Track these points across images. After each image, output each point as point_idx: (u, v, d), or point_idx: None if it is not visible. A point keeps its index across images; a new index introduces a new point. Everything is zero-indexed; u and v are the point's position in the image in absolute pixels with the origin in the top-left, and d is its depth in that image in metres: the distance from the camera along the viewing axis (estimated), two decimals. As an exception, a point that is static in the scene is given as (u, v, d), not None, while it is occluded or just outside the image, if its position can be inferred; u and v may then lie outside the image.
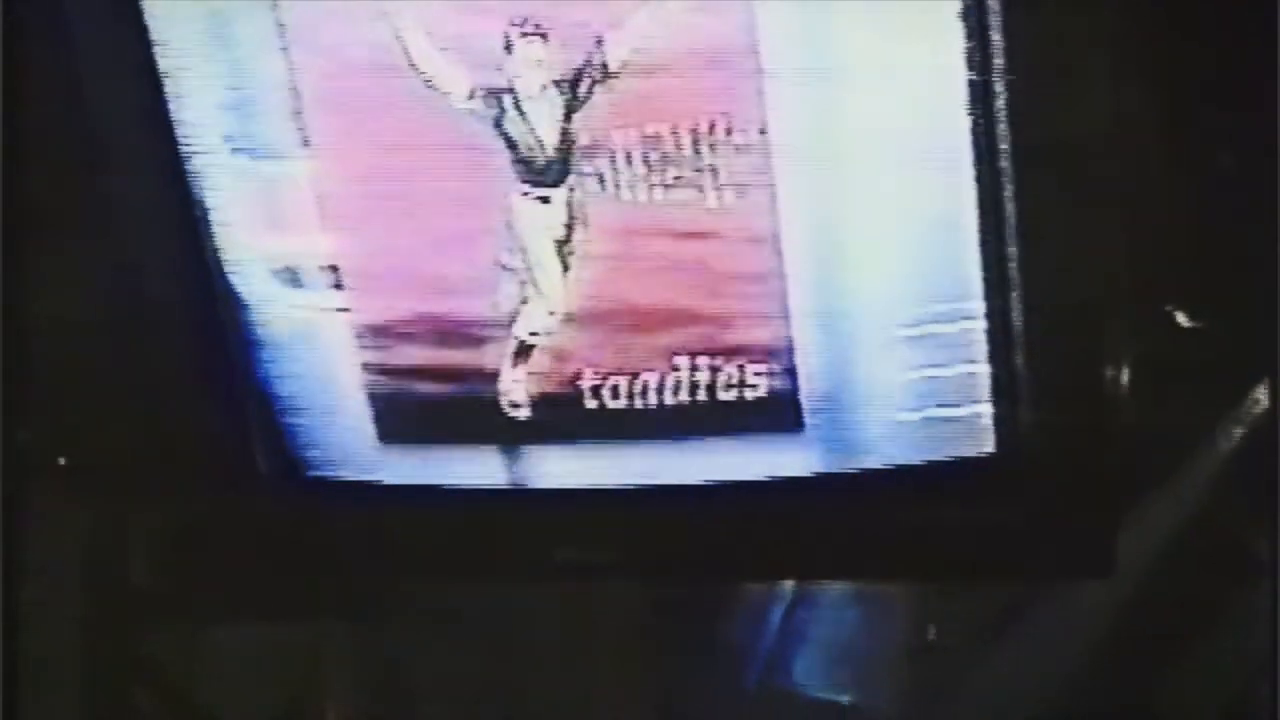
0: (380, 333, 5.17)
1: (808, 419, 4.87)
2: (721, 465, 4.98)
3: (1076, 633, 5.71)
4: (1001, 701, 5.86)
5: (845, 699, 6.10)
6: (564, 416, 5.07)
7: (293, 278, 5.17)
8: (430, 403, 5.18)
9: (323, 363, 5.24)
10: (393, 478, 5.27)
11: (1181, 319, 5.16)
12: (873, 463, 4.87)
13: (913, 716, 6.07)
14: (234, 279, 5.20)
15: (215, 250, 5.16)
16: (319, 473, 5.35)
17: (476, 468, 5.20)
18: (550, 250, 4.91)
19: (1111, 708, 5.60)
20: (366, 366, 5.19)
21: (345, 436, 5.29)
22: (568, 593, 6.07)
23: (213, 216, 5.11)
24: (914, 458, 4.84)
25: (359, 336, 5.16)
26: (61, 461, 6.01)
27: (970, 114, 4.45)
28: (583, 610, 6.26)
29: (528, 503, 5.19)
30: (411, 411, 5.21)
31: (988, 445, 4.80)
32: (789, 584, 6.27)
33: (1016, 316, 4.65)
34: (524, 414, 5.13)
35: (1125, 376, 4.89)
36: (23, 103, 5.33)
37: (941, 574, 5.12)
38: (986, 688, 5.90)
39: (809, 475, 4.91)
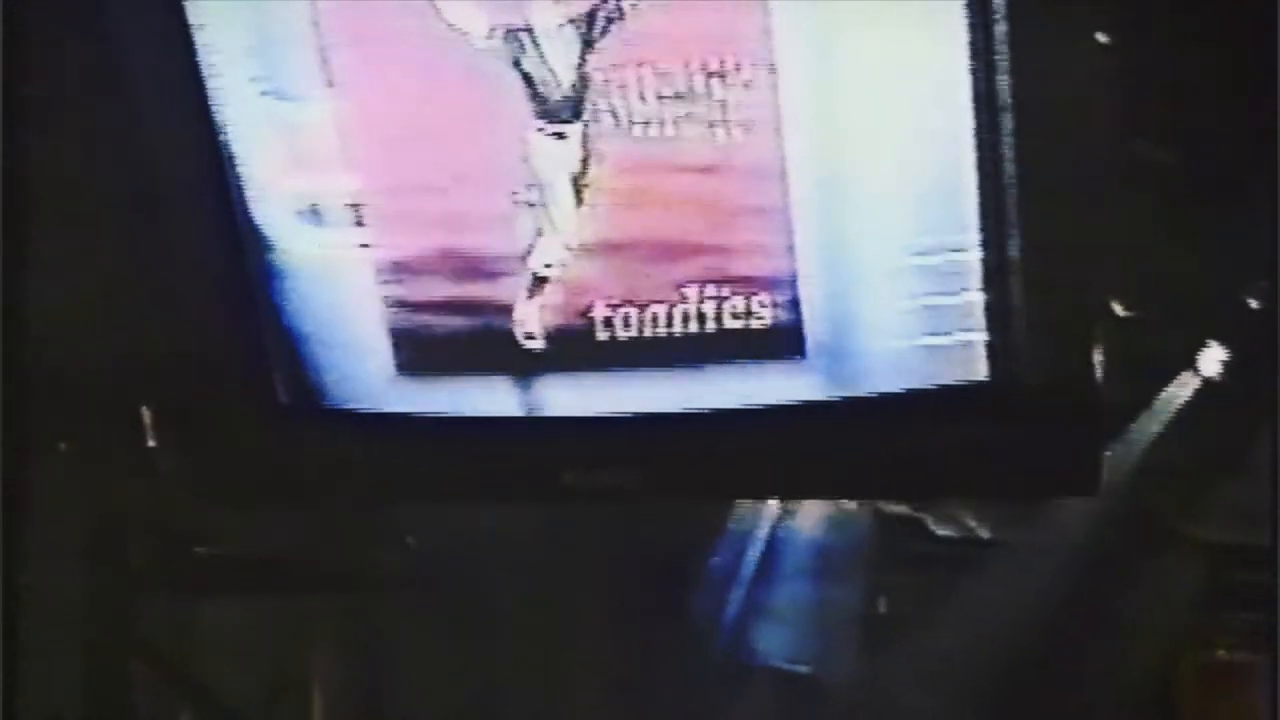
0: (399, 268, 5.39)
1: (810, 347, 5.09)
2: (728, 392, 5.19)
3: (1017, 603, 6.06)
4: (948, 667, 6.13)
5: (803, 669, 6.38)
6: (576, 347, 5.29)
7: (315, 216, 5.38)
8: (447, 335, 5.39)
9: (343, 298, 5.46)
10: (410, 408, 5.50)
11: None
12: (872, 388, 5.09)
13: (865, 682, 6.32)
14: (258, 218, 5.41)
15: (240, 190, 5.39)
16: (338, 404, 5.59)
17: (491, 397, 5.42)
18: (565, 185, 5.13)
19: (1050, 671, 5.97)
20: (386, 301, 5.41)
21: (364, 369, 5.51)
22: (542, 576, 6.39)
23: (238, 158, 5.35)
24: (911, 384, 5.06)
25: (379, 272, 5.39)
26: (63, 447, 6.29)
27: (971, 55, 4.67)
28: (556, 591, 6.54)
29: (540, 430, 5.43)
30: (429, 344, 5.42)
31: (980, 371, 5.03)
32: (751, 561, 6.65)
33: (1011, 248, 4.90)
34: (538, 345, 5.34)
35: (1112, 308, 5.17)
36: (52, 58, 5.57)
37: (935, 493, 5.37)
38: (934, 655, 6.17)
39: (811, 401, 5.14)
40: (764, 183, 4.91)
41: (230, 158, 5.31)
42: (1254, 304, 5.38)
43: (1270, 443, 5.22)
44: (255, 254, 5.43)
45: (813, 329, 5.06)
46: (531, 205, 5.14)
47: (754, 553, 6.35)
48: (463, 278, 5.29)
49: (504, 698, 6.64)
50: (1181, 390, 5.62)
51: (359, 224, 5.30)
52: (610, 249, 5.13)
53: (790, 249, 4.98)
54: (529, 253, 5.21)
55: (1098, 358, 5.04)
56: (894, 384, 5.06)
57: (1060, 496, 5.45)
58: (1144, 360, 5.38)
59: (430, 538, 6.47)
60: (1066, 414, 5.05)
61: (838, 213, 4.92)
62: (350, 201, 5.28)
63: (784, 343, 5.09)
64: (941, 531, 6.19)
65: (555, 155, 5.05)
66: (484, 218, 5.19)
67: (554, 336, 5.27)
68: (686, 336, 5.14)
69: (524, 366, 5.33)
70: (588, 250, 5.15)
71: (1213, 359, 5.55)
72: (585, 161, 5.03)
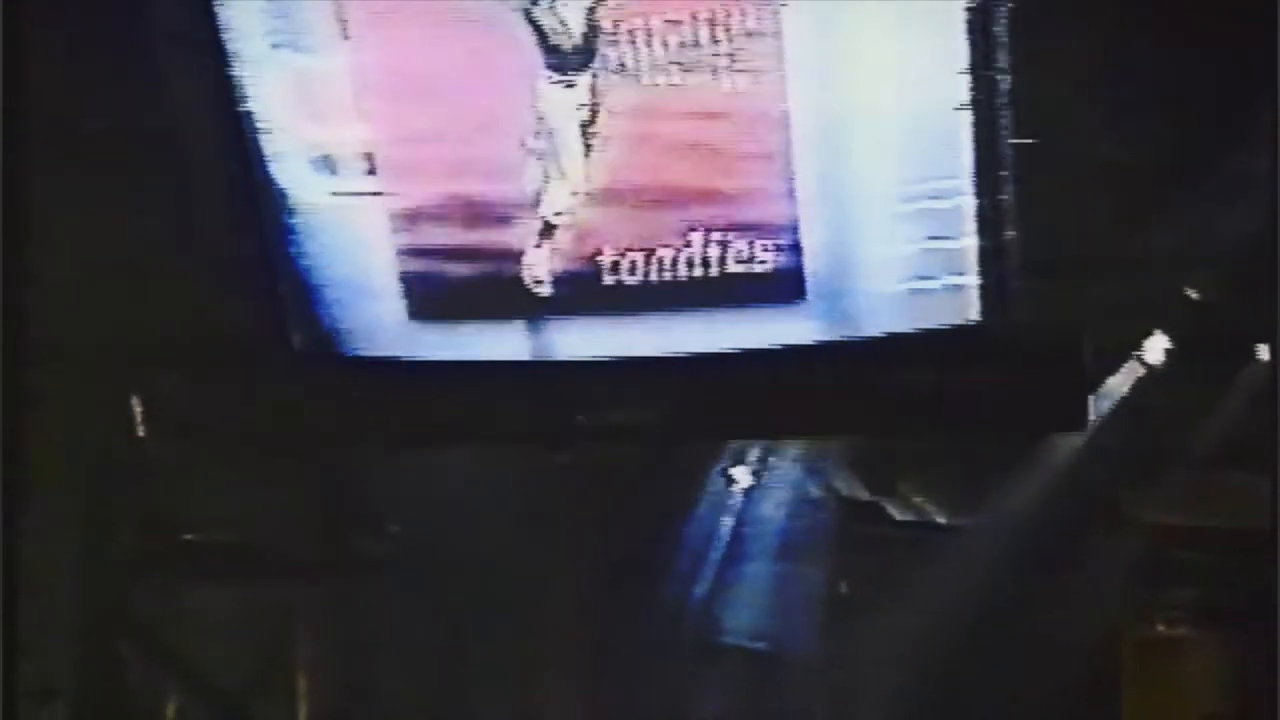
0: (412, 216, 5.56)
1: (810, 291, 5.29)
2: (730, 334, 5.39)
3: (971, 584, 6.28)
4: (905, 645, 6.39)
5: (762, 646, 6.69)
6: (584, 291, 5.47)
7: (330, 165, 5.53)
8: (458, 281, 5.57)
9: (356, 245, 5.62)
10: (422, 353, 5.66)
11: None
12: (869, 330, 5.30)
13: (826, 660, 6.59)
14: (273, 169, 5.56)
15: (256, 142, 5.52)
16: (351, 350, 5.75)
17: (501, 341, 5.60)
18: (574, 133, 5.31)
19: (1000, 647, 6.20)
20: (398, 248, 5.58)
21: (377, 315, 5.67)
22: (519, 563, 6.55)
23: (254, 110, 5.49)
24: (906, 325, 5.26)
25: (391, 220, 5.55)
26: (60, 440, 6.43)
27: (967, 8, 4.84)
28: (533, 577, 6.68)
29: (550, 372, 5.60)
30: (440, 290, 5.60)
31: (972, 313, 5.23)
32: (719, 545, 6.78)
33: (1003, 194, 5.10)
34: (546, 290, 5.52)
35: (1099, 252, 5.36)
36: (71, 15, 5.70)
37: (929, 431, 5.56)
38: (892, 633, 6.44)
39: (811, 343, 5.34)
40: (767, 130, 5.09)
41: (246, 110, 5.45)
42: (1194, 295, 5.65)
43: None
44: (270, 204, 5.57)
45: (813, 272, 5.25)
46: (541, 153, 5.31)
47: (722, 537, 6.63)
48: (473, 225, 5.46)
49: (482, 678, 6.85)
50: (1126, 378, 5.92)
51: (372, 173, 5.45)
52: (617, 195, 5.30)
53: (792, 195, 5.16)
54: (538, 200, 5.38)
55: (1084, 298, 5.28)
56: (890, 325, 5.25)
57: (1048, 432, 5.65)
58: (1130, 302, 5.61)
59: (412, 525, 6.71)
60: (1054, 354, 5.27)
61: (838, 159, 5.10)
62: (363, 151, 5.43)
63: (785, 286, 5.27)
64: (900, 516, 6.51)
65: (564, 104, 5.21)
66: (494, 166, 5.36)
67: (562, 281, 5.45)
68: (691, 280, 5.32)
69: (533, 311, 5.50)
70: (595, 197, 5.32)
71: (1156, 347, 5.82)
72: (594, 110, 5.20)
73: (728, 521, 6.59)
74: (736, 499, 6.57)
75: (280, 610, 6.97)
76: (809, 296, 5.27)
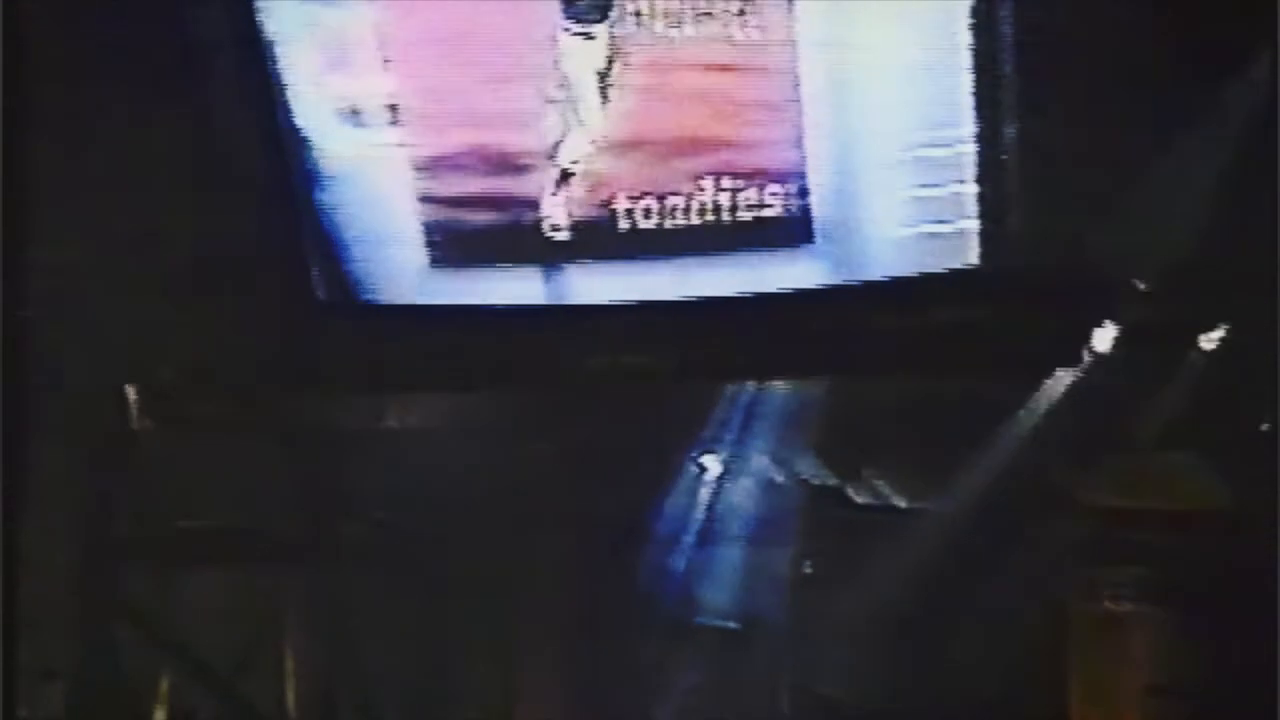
0: (434, 165, 5.77)
1: (817, 235, 5.52)
2: (740, 278, 5.61)
3: (928, 563, 6.50)
4: (866, 622, 6.62)
5: (733, 624, 6.90)
6: (599, 237, 5.68)
7: (354, 116, 5.74)
8: (477, 228, 5.78)
9: (379, 195, 5.84)
10: (442, 299, 5.88)
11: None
12: (873, 274, 5.52)
13: (792, 637, 6.80)
14: (299, 120, 5.78)
15: (283, 94, 5.75)
16: (372, 298, 5.96)
17: (519, 286, 5.81)
18: (592, 83, 5.53)
19: (956, 623, 6.42)
20: (420, 197, 5.79)
21: (399, 262, 5.89)
22: (499, 550, 6.75)
23: (281, 63, 5.71)
24: (909, 269, 5.49)
25: (414, 169, 5.76)
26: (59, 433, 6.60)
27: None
28: (512, 562, 6.86)
29: (566, 316, 5.83)
30: (460, 237, 5.81)
31: (972, 257, 5.44)
32: (691, 528, 6.98)
33: (1003, 142, 5.31)
34: (563, 236, 5.74)
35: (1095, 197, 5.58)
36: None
37: (930, 369, 5.78)
38: (853, 610, 6.67)
39: (817, 286, 5.56)
40: (777, 80, 5.31)
41: (273, 61, 5.67)
42: (1142, 286, 5.86)
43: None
44: (295, 155, 5.78)
45: (820, 218, 5.47)
46: (560, 103, 5.53)
47: (694, 522, 6.86)
48: (493, 173, 5.67)
49: (464, 658, 7.06)
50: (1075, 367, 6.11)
51: (395, 123, 5.67)
52: (632, 144, 5.52)
53: (800, 143, 5.38)
54: (556, 149, 5.59)
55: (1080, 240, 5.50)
56: (894, 269, 5.48)
57: (1044, 371, 5.88)
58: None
59: (396, 512, 6.88)
60: (1049, 296, 5.50)
61: (845, 108, 5.32)
62: (387, 102, 5.65)
63: (793, 231, 5.49)
64: (861, 499, 6.76)
65: (583, 55, 5.43)
66: (515, 116, 5.57)
67: (578, 227, 5.66)
68: (703, 226, 5.53)
69: (550, 256, 5.72)
70: (611, 145, 5.53)
71: (1106, 337, 6.00)
72: (611, 60, 5.42)
73: (699, 507, 6.84)
74: (707, 486, 6.81)
75: (269, 594, 7.13)
76: (816, 241, 5.50)
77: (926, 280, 5.46)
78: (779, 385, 6.52)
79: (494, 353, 5.91)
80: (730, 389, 6.56)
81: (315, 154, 5.77)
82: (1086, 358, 5.73)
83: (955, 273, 5.43)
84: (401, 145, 5.69)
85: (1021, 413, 6.17)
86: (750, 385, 6.54)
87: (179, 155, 5.95)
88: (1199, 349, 5.96)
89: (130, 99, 5.94)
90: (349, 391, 6.24)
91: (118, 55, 5.84)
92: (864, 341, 5.66)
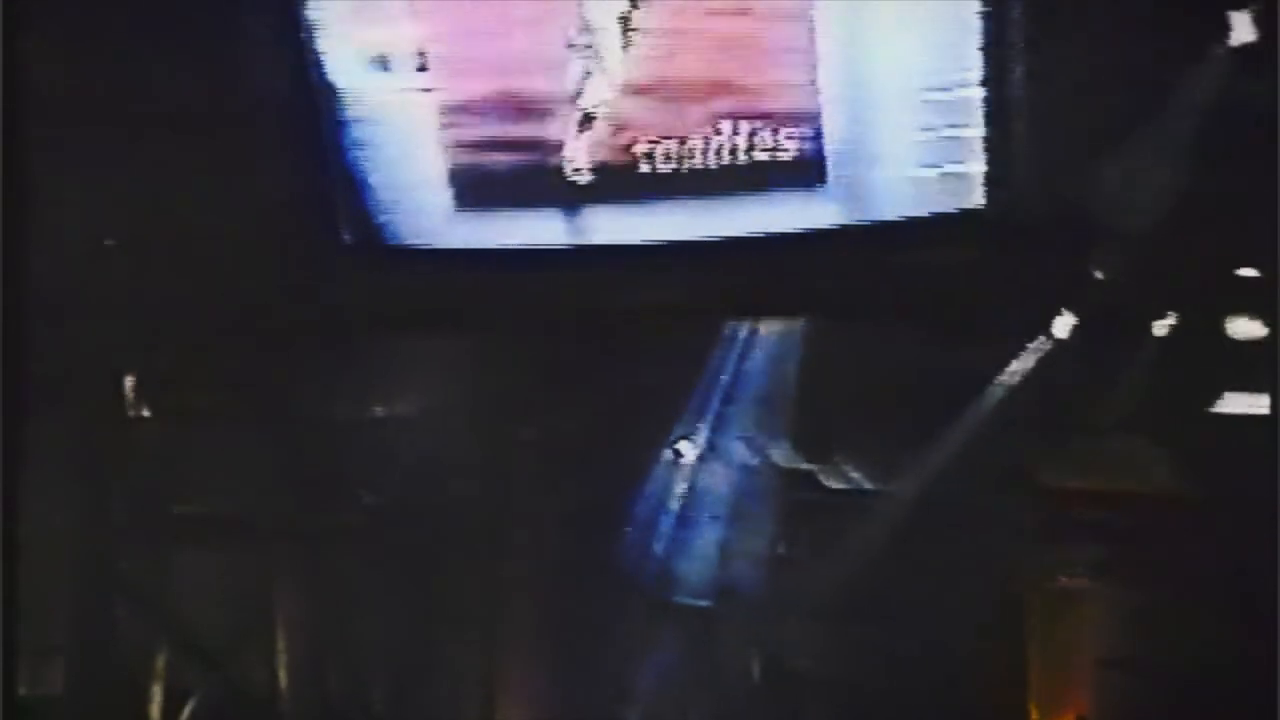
0: (459, 110, 5.98)
1: (830, 177, 5.73)
2: (756, 218, 5.81)
3: (892, 543, 6.69)
4: (834, 603, 6.83)
5: (706, 603, 7.06)
6: (620, 179, 5.89)
7: (383, 63, 5.96)
8: (502, 172, 5.99)
9: (406, 140, 6.04)
10: (467, 242, 6.09)
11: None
12: (884, 214, 5.72)
13: (764, 615, 6.98)
14: (327, 68, 5.99)
15: (312, 41, 5.95)
16: (400, 242, 6.17)
17: (542, 229, 6.02)
18: (614, 29, 5.74)
19: (920, 599, 6.57)
20: (446, 141, 6.00)
21: (425, 206, 6.10)
22: (484, 530, 7.02)
23: (310, 11, 5.91)
24: (918, 210, 5.68)
25: (440, 114, 5.98)
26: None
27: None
28: (496, 542, 7.12)
29: (587, 257, 6.02)
30: (485, 181, 6.02)
31: (978, 198, 5.64)
32: (670, 511, 7.12)
33: (1010, 87, 5.51)
34: (585, 179, 5.95)
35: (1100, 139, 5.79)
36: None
37: (936, 310, 6.00)
38: (823, 590, 6.87)
39: (830, 227, 5.76)
40: (792, 24, 5.53)
41: (302, 8, 5.87)
42: (1099, 275, 6.05)
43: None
44: (324, 102, 5.99)
45: (833, 160, 5.67)
46: (582, 49, 5.74)
47: (671, 506, 7.03)
48: (517, 118, 5.88)
49: (447, 636, 7.28)
50: (1034, 352, 6.35)
51: (423, 69, 5.87)
52: (652, 88, 5.72)
53: (814, 86, 5.59)
54: (579, 93, 5.80)
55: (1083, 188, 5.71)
56: (903, 210, 5.68)
57: (1050, 312, 6.09)
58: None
59: (383, 494, 7.12)
60: (1053, 237, 5.71)
61: (859, 52, 5.53)
62: (415, 49, 5.86)
63: (807, 173, 5.70)
64: (831, 484, 6.95)
65: (607, 1, 5.65)
66: (539, 61, 5.78)
67: (600, 170, 5.86)
68: (720, 168, 5.74)
69: (572, 198, 5.93)
70: (632, 89, 5.74)
71: (1064, 324, 6.24)
72: (633, 6, 5.64)
73: (676, 492, 7.02)
74: (684, 471, 7.00)
75: (261, 572, 7.35)
76: (829, 182, 5.71)
77: (934, 220, 5.68)
78: (754, 374, 6.77)
79: (517, 294, 6.13)
80: (706, 378, 6.77)
81: (343, 100, 5.98)
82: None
83: (962, 213, 5.64)
84: (428, 91, 5.90)
85: (983, 398, 6.40)
86: (725, 377, 6.78)
87: (206, 105, 6.17)
88: (1152, 337, 6.21)
89: (155, 52, 6.15)
90: (373, 333, 6.44)
91: (140, 5, 6.06)
92: (872, 280, 5.88)
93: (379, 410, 7.10)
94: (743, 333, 6.66)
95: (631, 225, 5.91)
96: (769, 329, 6.63)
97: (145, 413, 7.04)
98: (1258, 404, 6.20)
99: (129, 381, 6.97)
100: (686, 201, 5.82)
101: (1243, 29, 5.50)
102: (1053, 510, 6.59)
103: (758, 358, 6.79)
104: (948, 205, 5.65)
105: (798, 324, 6.54)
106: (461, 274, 6.10)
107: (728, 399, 6.89)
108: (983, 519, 6.48)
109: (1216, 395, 6.26)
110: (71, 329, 6.40)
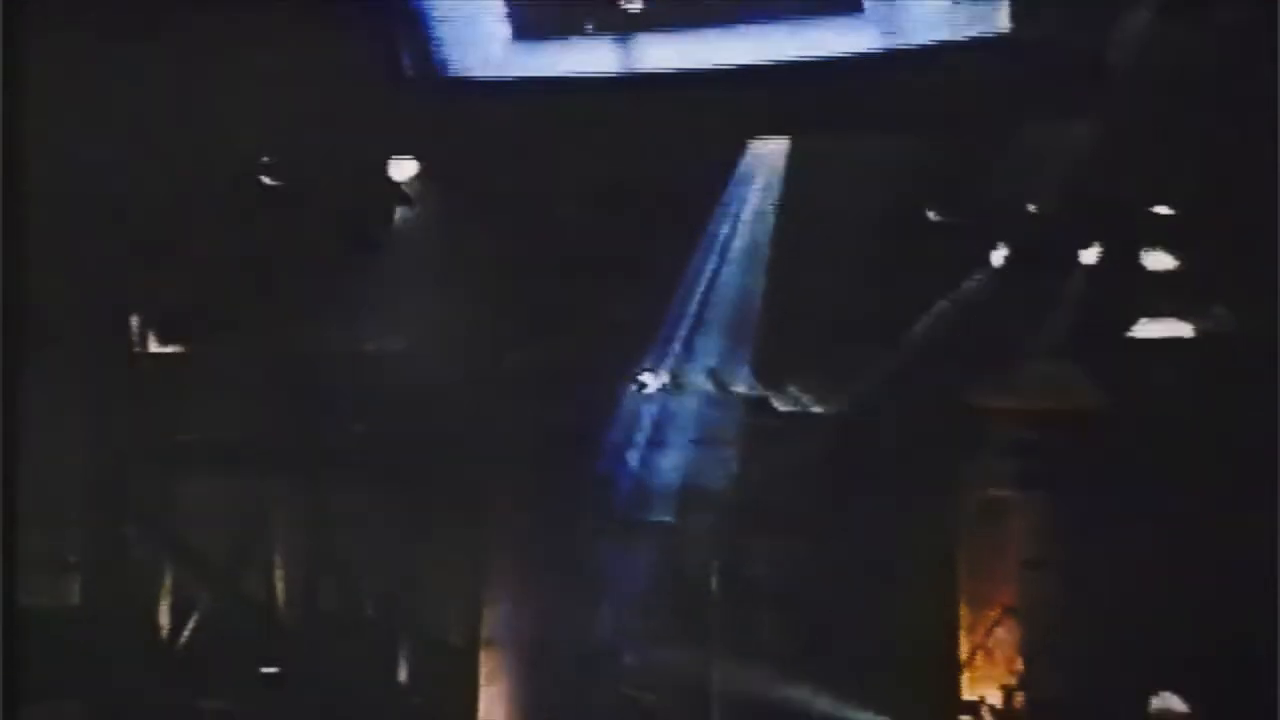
0: (519, -56, 6.46)
1: (866, 3, 6.18)
2: (798, 43, 6.25)
3: (837, 461, 7.25)
4: (786, 518, 7.41)
5: (670, 519, 7.62)
6: (670, 8, 6.34)
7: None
8: (558, 2, 6.44)
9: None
10: (524, 71, 6.50)
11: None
12: (917, 39, 6.16)
13: (722, 531, 7.55)
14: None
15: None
16: (460, 72, 6.56)
17: (594, 57, 6.44)
18: None
19: (861, 510, 7.17)
20: (506, -26, 6.46)
21: (483, 37, 6.53)
22: (468, 458, 7.44)
23: None
24: (949, 34, 6.13)
25: (500, -52, 6.44)
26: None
27: None
28: (480, 468, 7.53)
29: (637, 85, 6.44)
30: (542, 10, 6.47)
31: (1004, 23, 6.08)
32: (640, 436, 7.68)
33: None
34: (636, 7, 6.39)
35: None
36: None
37: (958, 126, 6.44)
38: (775, 507, 7.42)
39: (868, 51, 6.20)
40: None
41: None
42: (1032, 209, 6.73)
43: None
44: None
45: (869, -11, 6.15)
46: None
47: (638, 432, 7.55)
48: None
49: (436, 552, 7.77)
50: (973, 280, 7.02)
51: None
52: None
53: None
54: (631, -74, 6.28)
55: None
56: (936, 34, 6.12)
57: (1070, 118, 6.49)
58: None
59: (374, 424, 7.63)
60: (1070, 52, 6.15)
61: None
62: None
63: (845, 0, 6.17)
64: (784, 408, 7.50)
65: None
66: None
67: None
68: (764, -4, 6.21)
69: (624, 27, 6.35)
70: (683, -75, 6.23)
71: (1000, 255, 6.95)
72: None
73: (642, 420, 7.53)
74: (649, 400, 7.53)
75: (259, 495, 7.86)
76: (865, 8, 6.16)
77: (964, 45, 6.11)
78: (718, 305, 7.30)
79: (574, 122, 6.51)
80: (671, 312, 7.29)
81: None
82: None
83: (992, 36, 6.07)
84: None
85: (920, 326, 7.03)
86: (690, 311, 7.30)
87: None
88: (1080, 268, 6.86)
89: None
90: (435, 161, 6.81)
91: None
92: (905, 99, 6.30)
93: (370, 345, 7.53)
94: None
95: (681, 53, 6.33)
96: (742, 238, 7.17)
97: (151, 348, 7.58)
98: (1173, 329, 6.97)
99: (134, 320, 7.50)
100: (731, 28, 6.26)
101: None
102: (985, 426, 7.18)
103: (722, 287, 7.32)
104: (976, 30, 6.08)
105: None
106: (520, 103, 6.48)
107: (694, 328, 7.38)
108: (921, 436, 7.06)
109: (1130, 322, 6.96)
110: (78, 269, 6.90)
